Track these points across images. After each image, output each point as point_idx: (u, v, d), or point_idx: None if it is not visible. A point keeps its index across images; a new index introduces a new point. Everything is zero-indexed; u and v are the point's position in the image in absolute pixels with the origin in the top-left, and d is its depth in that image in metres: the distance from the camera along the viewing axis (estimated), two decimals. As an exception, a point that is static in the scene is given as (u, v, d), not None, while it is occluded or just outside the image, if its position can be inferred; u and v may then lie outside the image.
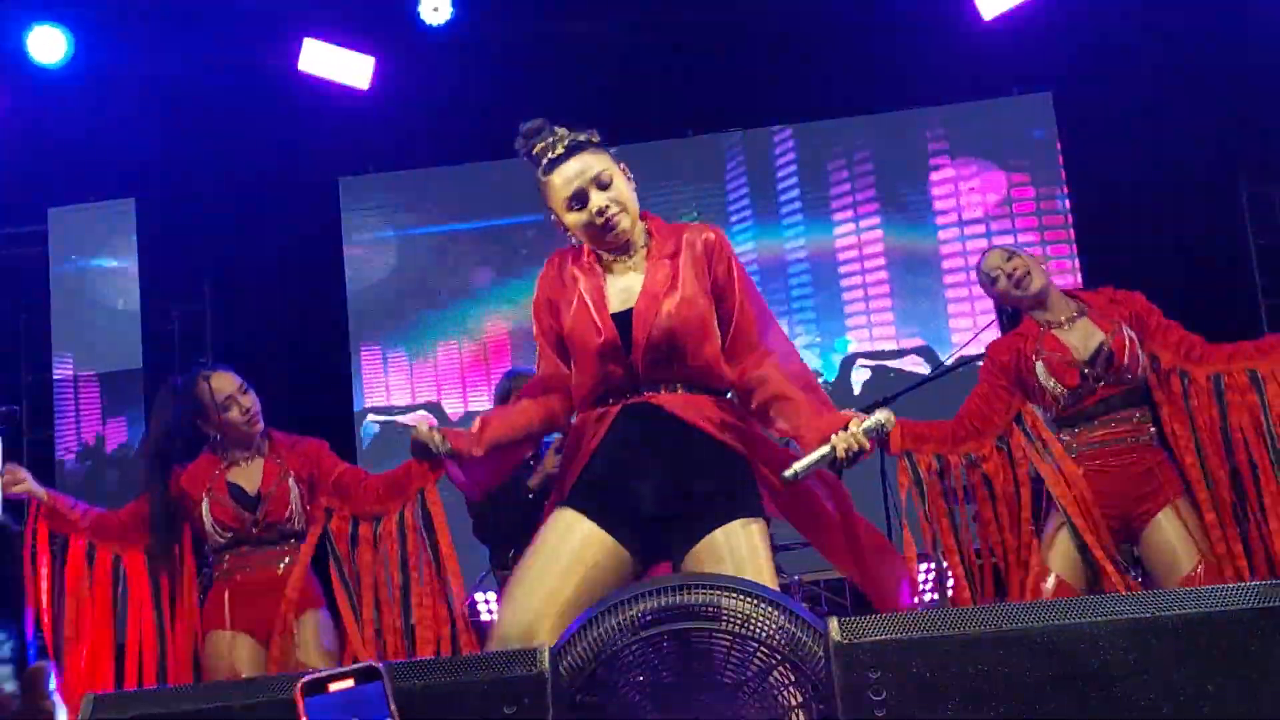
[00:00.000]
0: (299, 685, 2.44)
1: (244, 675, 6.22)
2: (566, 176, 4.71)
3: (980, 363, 7.41)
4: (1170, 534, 6.22)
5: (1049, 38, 11.33)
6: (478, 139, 11.99)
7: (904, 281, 11.94)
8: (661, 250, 4.75)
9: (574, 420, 4.85)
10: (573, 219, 4.72)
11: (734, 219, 12.01)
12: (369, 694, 2.44)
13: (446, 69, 11.65)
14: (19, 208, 12.09)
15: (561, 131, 4.84)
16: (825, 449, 4.41)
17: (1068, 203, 11.83)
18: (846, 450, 4.39)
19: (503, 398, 8.21)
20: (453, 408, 12.19)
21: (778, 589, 4.41)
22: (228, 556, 6.42)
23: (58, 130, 11.45)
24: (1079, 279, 11.57)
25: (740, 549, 4.48)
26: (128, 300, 12.06)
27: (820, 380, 11.66)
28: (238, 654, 6.32)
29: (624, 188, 4.73)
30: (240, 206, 11.79)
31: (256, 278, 11.90)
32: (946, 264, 11.93)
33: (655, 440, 4.60)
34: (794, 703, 3.37)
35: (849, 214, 12.10)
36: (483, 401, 12.01)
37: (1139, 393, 6.40)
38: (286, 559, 6.44)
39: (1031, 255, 6.71)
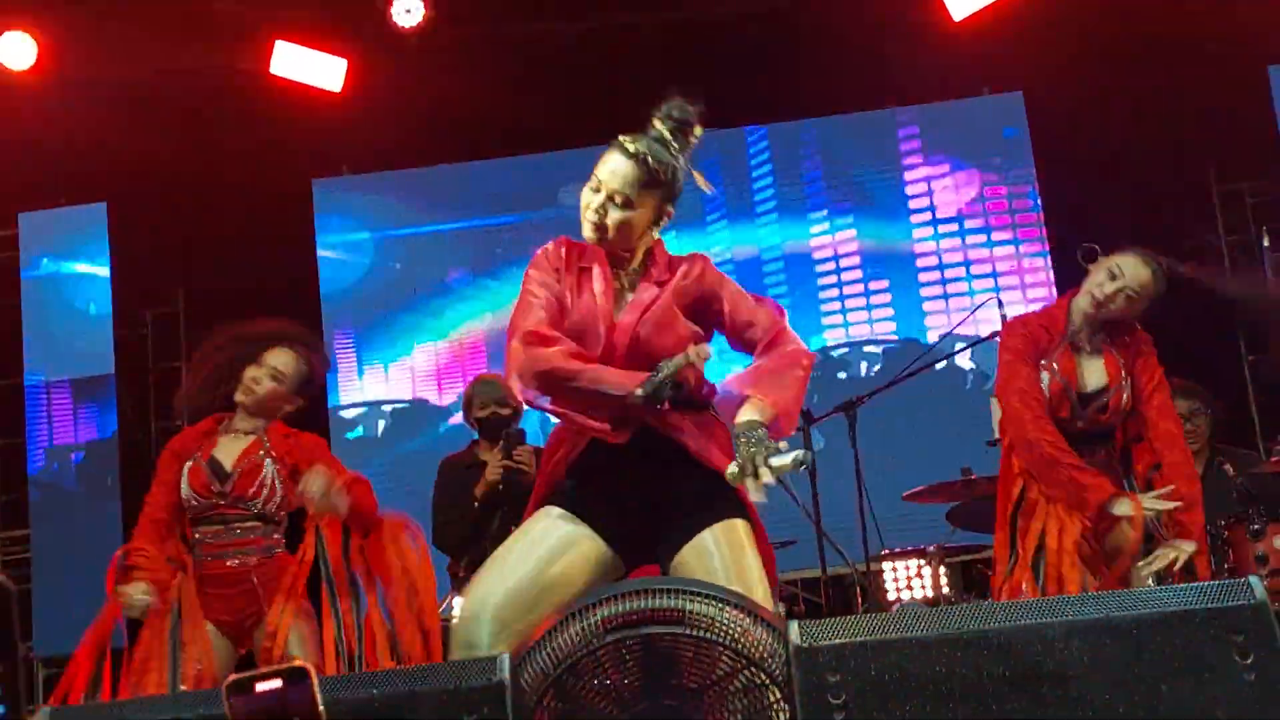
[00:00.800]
0: (224, 685, 2.43)
1: (205, 669, 6.26)
2: (610, 167, 4.74)
3: (947, 361, 7.47)
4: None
5: (1019, 37, 11.34)
6: (451, 140, 12.02)
7: (879, 279, 11.94)
8: (657, 275, 4.79)
9: (553, 430, 4.83)
10: (583, 195, 4.79)
11: (709, 219, 12.02)
12: (296, 695, 2.43)
13: (419, 70, 11.62)
14: (-12, 212, 12.07)
15: (658, 142, 4.83)
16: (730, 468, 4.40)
17: (1039, 201, 11.83)
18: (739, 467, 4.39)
19: (467, 404, 8.22)
20: (429, 408, 12.19)
21: (768, 587, 4.43)
22: (204, 544, 6.44)
23: (28, 134, 11.41)
24: (1052, 275, 11.59)
25: (726, 548, 4.49)
26: (99, 305, 12.03)
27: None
28: (202, 645, 6.33)
29: (632, 216, 4.72)
30: (213, 209, 11.77)
31: (229, 281, 11.84)
32: (921, 262, 11.93)
33: (641, 448, 4.60)
34: (767, 703, 3.38)
35: (823, 213, 12.10)
36: (458, 399, 12.03)
37: (1109, 434, 6.48)
38: (258, 553, 6.47)
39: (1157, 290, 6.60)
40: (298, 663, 2.42)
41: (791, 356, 4.66)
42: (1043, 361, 6.45)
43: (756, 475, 4.27)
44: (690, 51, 11.76)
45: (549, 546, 4.53)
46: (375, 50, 11.76)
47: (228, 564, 6.45)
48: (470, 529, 7.77)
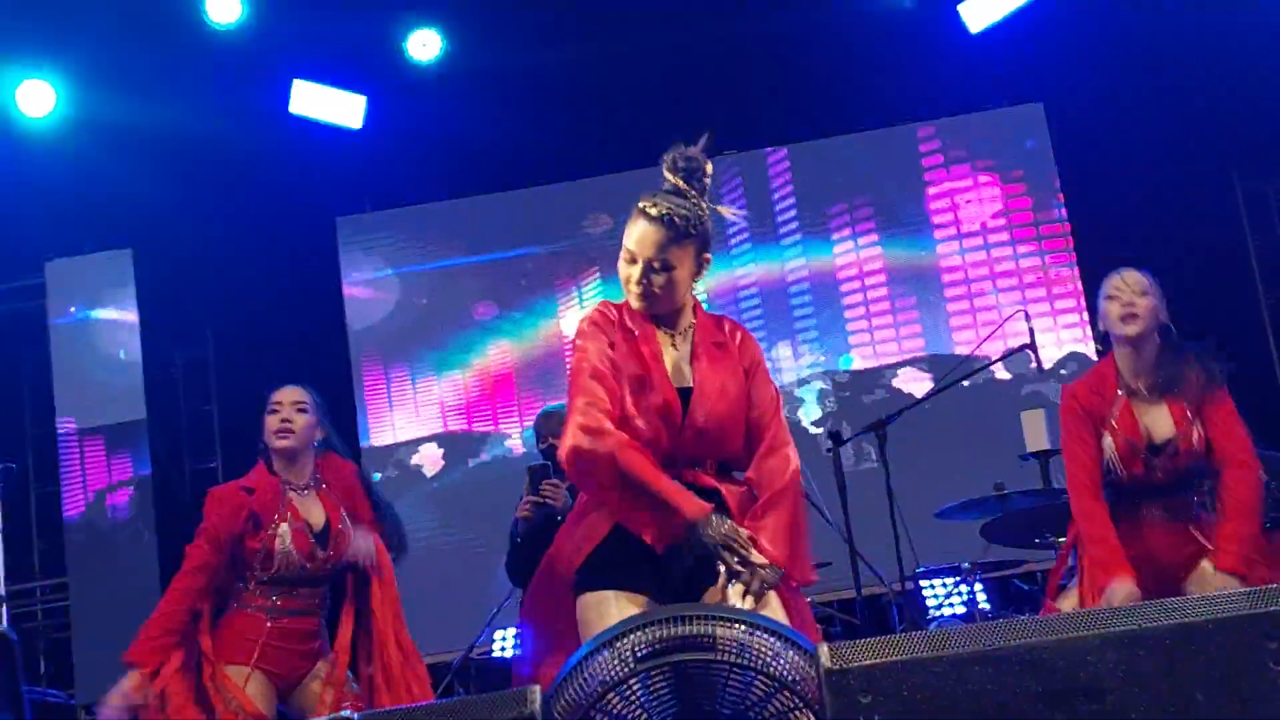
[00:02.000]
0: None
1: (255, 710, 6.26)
2: (638, 235, 4.73)
3: (976, 376, 7.45)
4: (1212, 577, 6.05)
5: (1037, 48, 11.33)
6: (473, 173, 12.03)
7: (905, 297, 11.90)
8: (709, 336, 4.82)
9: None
10: (621, 269, 4.80)
11: (732, 242, 12.00)
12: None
13: (438, 104, 11.64)
14: (15, 261, 12.09)
15: (676, 195, 4.79)
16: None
17: (1064, 211, 11.78)
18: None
19: (537, 434, 8.18)
20: (459, 441, 12.18)
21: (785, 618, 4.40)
22: (275, 602, 6.42)
23: (51, 183, 11.45)
24: (1079, 286, 11.53)
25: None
26: (129, 350, 12.03)
27: (825, 402, 11.70)
28: (251, 689, 6.31)
29: (675, 275, 4.74)
30: (238, 250, 11.79)
31: (257, 321, 11.89)
32: (947, 278, 11.89)
33: None
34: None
35: (847, 232, 12.07)
36: (488, 433, 12.03)
37: (1196, 478, 6.28)
38: (319, 610, 6.49)
39: (1160, 300, 6.48)
40: (345, 712, 2.43)
41: (793, 497, 4.66)
42: (1104, 424, 6.35)
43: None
44: (708, 74, 11.76)
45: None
46: (393, 85, 11.78)
47: (302, 622, 6.45)
48: (520, 562, 7.77)
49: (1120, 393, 6.30)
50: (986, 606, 9.06)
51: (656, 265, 4.70)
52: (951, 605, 9.17)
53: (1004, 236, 11.91)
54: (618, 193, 11.48)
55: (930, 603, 9.35)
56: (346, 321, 12.34)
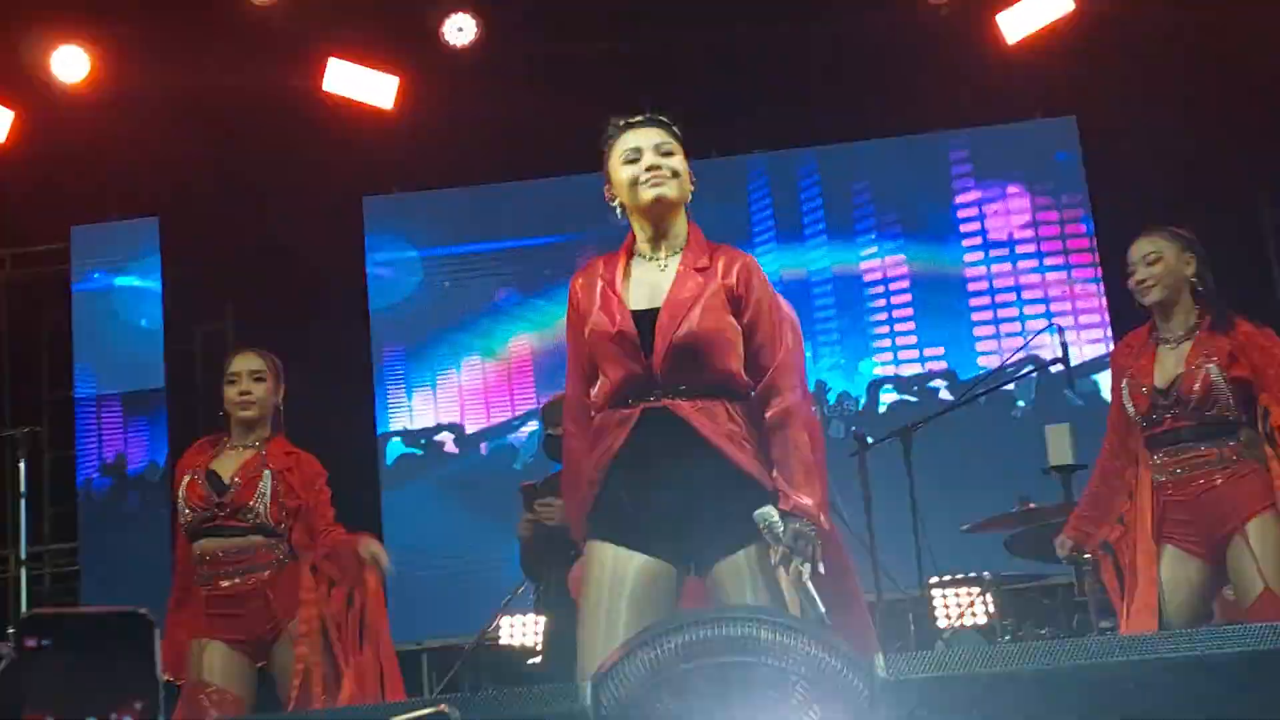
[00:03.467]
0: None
1: (211, 683, 6.24)
2: (635, 136, 4.82)
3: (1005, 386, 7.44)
4: (1243, 557, 6.02)
5: (1073, 61, 11.30)
6: (502, 159, 11.99)
7: (928, 304, 11.88)
8: (694, 261, 4.77)
9: (596, 419, 4.84)
10: (624, 173, 4.79)
11: (758, 241, 11.98)
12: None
13: (470, 89, 11.60)
14: (42, 225, 12.08)
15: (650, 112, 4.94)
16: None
17: (1092, 226, 11.76)
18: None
19: (544, 423, 8.21)
20: (476, 427, 12.17)
21: (798, 607, 4.41)
22: (208, 562, 6.41)
23: (81, 148, 11.43)
24: (1104, 302, 11.53)
25: (764, 572, 4.51)
26: (150, 319, 12.03)
27: (845, 405, 11.67)
28: (208, 662, 6.30)
29: (682, 165, 4.80)
30: (263, 225, 11.76)
31: (279, 296, 11.87)
32: (971, 287, 11.87)
33: (676, 452, 4.62)
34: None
35: (873, 236, 12.05)
36: (506, 419, 12.02)
37: (1226, 428, 6.20)
38: (269, 567, 6.44)
39: (1179, 259, 6.51)
40: (443, 708, 2.41)
41: (808, 441, 4.69)
42: (1124, 372, 6.42)
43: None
44: (742, 73, 11.75)
45: (632, 592, 4.55)
46: (427, 68, 11.74)
47: (237, 581, 6.42)
48: (531, 564, 7.81)
49: (1151, 342, 6.42)
50: (1002, 620, 9.05)
51: (665, 149, 4.77)
52: (974, 615, 9.17)
53: (1031, 248, 11.90)
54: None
55: (952, 612, 9.35)
56: (368, 301, 12.31)
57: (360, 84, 11.56)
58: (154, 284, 12.08)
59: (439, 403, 12.23)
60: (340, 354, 12.09)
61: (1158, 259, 6.37)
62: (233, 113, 11.42)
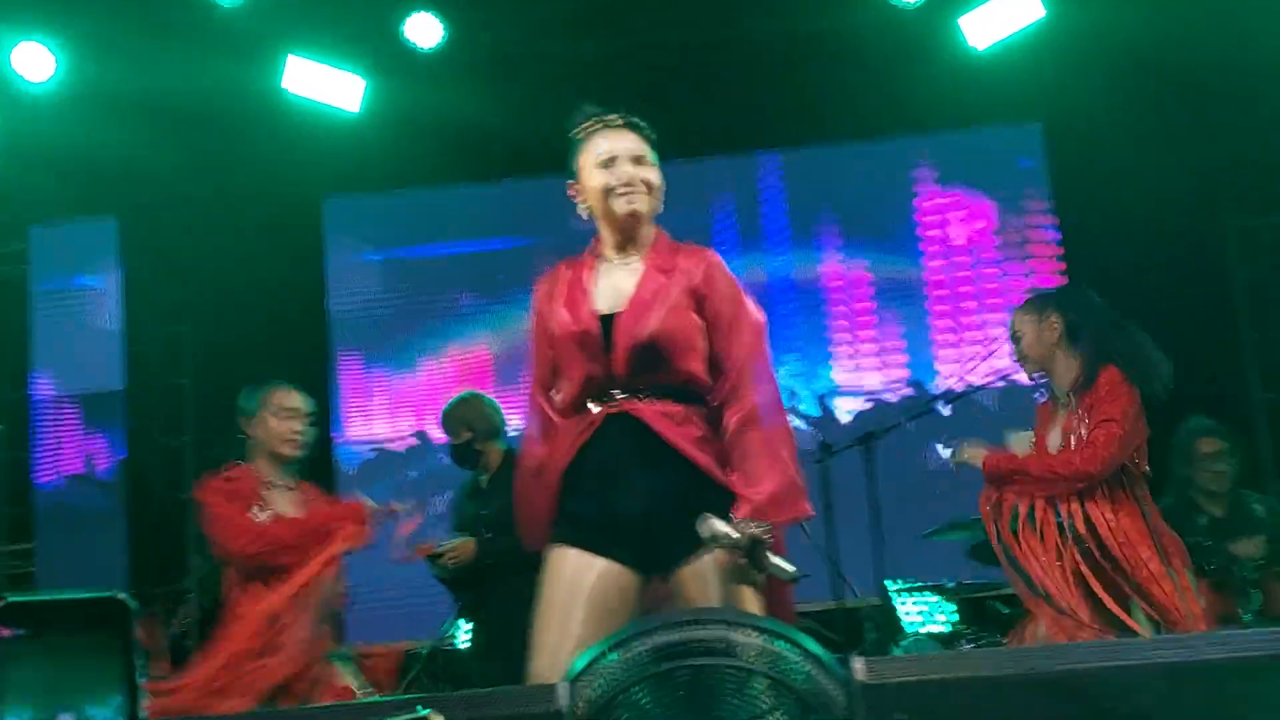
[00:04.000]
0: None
1: None
2: (612, 140, 4.79)
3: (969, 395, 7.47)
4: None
5: (1039, 68, 11.31)
6: (465, 162, 11.96)
7: (890, 311, 11.88)
8: (658, 262, 4.75)
9: (557, 424, 4.82)
10: (597, 178, 4.76)
11: (719, 245, 11.91)
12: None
13: (435, 91, 11.55)
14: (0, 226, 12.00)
15: (627, 114, 4.91)
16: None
17: (1056, 234, 11.79)
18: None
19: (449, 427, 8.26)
20: (434, 431, 12.13)
21: (762, 610, 4.40)
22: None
23: (40, 147, 11.34)
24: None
25: (723, 575, 4.47)
26: (109, 320, 11.97)
27: (801, 412, 11.67)
28: None
29: (656, 176, 4.79)
30: (223, 226, 11.71)
31: (238, 298, 11.80)
32: (933, 294, 11.87)
33: (637, 456, 4.61)
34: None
35: (836, 242, 12.04)
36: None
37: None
38: None
39: (1041, 328, 6.64)
40: (420, 709, 2.39)
41: (768, 438, 4.64)
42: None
43: (756, 568, 4.41)
44: (705, 75, 11.73)
45: (590, 597, 4.52)
46: (390, 69, 11.70)
47: None
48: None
49: (1050, 403, 6.69)
50: (963, 627, 9.04)
51: (640, 159, 4.77)
52: (937, 623, 9.16)
53: (993, 255, 11.91)
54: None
55: (914, 619, 9.35)
56: (328, 303, 12.26)
57: (323, 84, 11.49)
58: (113, 285, 12.01)
59: (397, 406, 12.19)
60: (298, 356, 12.05)
61: (1019, 337, 6.56)
62: (193, 112, 11.33)
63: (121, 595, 1.83)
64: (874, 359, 11.84)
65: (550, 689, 3.30)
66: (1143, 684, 3.08)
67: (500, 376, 11.95)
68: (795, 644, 3.45)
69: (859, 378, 11.83)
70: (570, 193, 4.88)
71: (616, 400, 4.63)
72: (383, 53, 11.63)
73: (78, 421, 11.99)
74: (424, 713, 2.41)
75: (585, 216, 4.85)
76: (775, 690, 3.39)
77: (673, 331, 4.61)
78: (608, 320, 4.66)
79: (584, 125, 4.85)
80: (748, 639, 3.44)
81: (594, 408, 4.66)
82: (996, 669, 3.18)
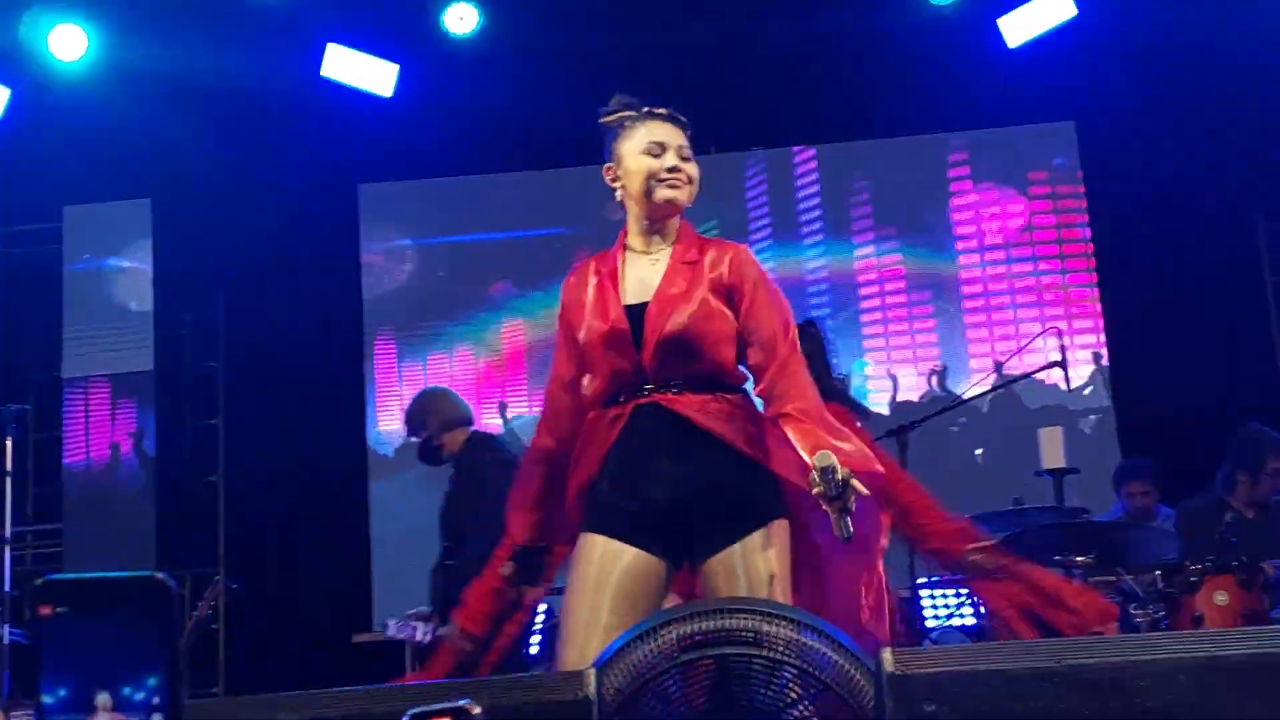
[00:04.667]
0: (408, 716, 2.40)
1: None
2: (657, 128, 4.77)
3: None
4: None
5: (1073, 67, 11.31)
6: (500, 149, 11.98)
7: (922, 305, 11.87)
8: (684, 254, 4.74)
9: (588, 417, 4.79)
10: (643, 162, 4.72)
11: (754, 238, 11.95)
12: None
13: (470, 78, 11.58)
14: (34, 205, 12.05)
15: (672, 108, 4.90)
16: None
17: (1088, 231, 11.76)
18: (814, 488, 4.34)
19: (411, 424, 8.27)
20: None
21: (789, 599, 4.39)
22: None
23: (76, 128, 11.40)
24: (1099, 307, 11.54)
25: (755, 567, 4.45)
26: (141, 301, 11.99)
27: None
28: None
29: (696, 172, 4.76)
30: (258, 210, 11.74)
31: (271, 283, 11.85)
32: (966, 290, 11.86)
33: (668, 446, 4.58)
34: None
35: (869, 236, 12.03)
36: (496, 414, 11.97)
37: None
38: None
39: None
40: (465, 701, 2.38)
41: (812, 426, 4.53)
42: None
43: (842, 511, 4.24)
44: (742, 69, 11.73)
45: (618, 585, 4.50)
46: (426, 57, 11.72)
47: None
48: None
49: None
50: (989, 622, 9.02)
51: (685, 155, 4.75)
52: (962, 616, 9.15)
53: (1026, 252, 11.90)
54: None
55: (932, 613, 9.33)
56: (362, 289, 12.28)
57: (359, 71, 11.52)
58: (145, 267, 12.03)
59: (431, 392, 12.21)
60: (332, 342, 12.07)
61: None
62: (229, 96, 11.38)
63: (160, 575, 1.83)
64: (906, 352, 11.82)
65: (579, 675, 3.29)
66: (1170, 679, 3.07)
67: (534, 364, 11.95)
68: (824, 634, 3.45)
69: (892, 370, 11.82)
70: (607, 176, 4.84)
71: (646, 392, 4.63)
72: (419, 41, 11.65)
73: (108, 402, 12.00)
74: (464, 703, 2.40)
75: (616, 199, 4.84)
76: (804, 681, 3.38)
77: (700, 324, 4.60)
78: (634, 312, 4.65)
79: (625, 112, 4.85)
80: (777, 629, 3.43)
81: (623, 401, 4.66)
82: (1025, 661, 3.17)
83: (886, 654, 3.27)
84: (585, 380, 4.78)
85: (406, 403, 12.07)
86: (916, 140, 12.15)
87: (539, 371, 11.75)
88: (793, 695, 3.40)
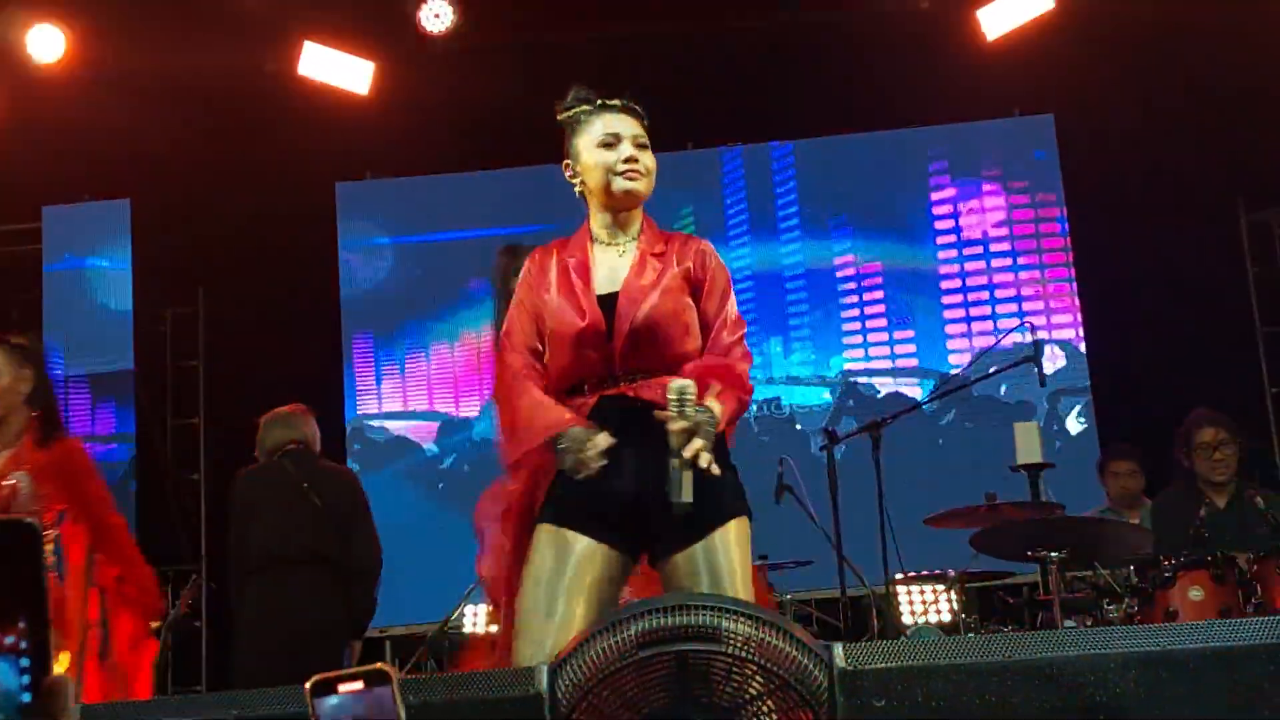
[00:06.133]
0: (308, 685, 2.39)
1: None
2: (612, 120, 4.80)
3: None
4: None
5: (1052, 59, 11.29)
6: (476, 147, 11.98)
7: (901, 301, 11.86)
8: (651, 247, 4.77)
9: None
10: (599, 156, 4.76)
11: (732, 233, 11.94)
12: (378, 697, 2.39)
13: (446, 76, 11.58)
14: (13, 205, 12.02)
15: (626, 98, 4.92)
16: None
17: (1067, 224, 11.76)
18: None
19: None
20: (445, 415, 12.15)
21: (752, 597, 4.38)
22: None
23: (54, 128, 11.38)
24: (1077, 301, 11.55)
25: (717, 565, 4.46)
26: (120, 300, 11.99)
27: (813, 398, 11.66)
28: None
29: (653, 162, 4.79)
30: (236, 209, 11.72)
31: (250, 281, 11.84)
32: (945, 284, 11.85)
33: (633, 438, 4.54)
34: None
35: (847, 231, 12.02)
36: (475, 409, 11.99)
37: None
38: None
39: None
40: (380, 665, 2.37)
41: (740, 379, 4.64)
42: None
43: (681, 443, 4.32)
44: (718, 64, 11.73)
45: (575, 574, 4.47)
46: (402, 55, 11.72)
47: None
48: None
49: None
50: (965, 616, 9.04)
51: (642, 143, 4.77)
52: (938, 612, 9.16)
53: (1005, 246, 11.89)
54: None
55: (916, 609, 9.34)
56: (339, 287, 12.28)
57: (336, 69, 11.52)
58: (125, 266, 12.04)
59: (407, 389, 12.20)
60: (311, 340, 12.07)
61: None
62: (207, 96, 11.39)
63: (29, 520, 1.82)
64: (884, 348, 11.83)
65: (530, 672, 3.29)
66: (1121, 673, 3.07)
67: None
68: (784, 631, 3.44)
69: (870, 366, 11.82)
70: (566, 173, 4.89)
71: (612, 382, 4.64)
72: (395, 39, 11.65)
73: (88, 400, 12.01)
74: (379, 665, 2.40)
75: (579, 194, 4.85)
76: (763, 677, 3.38)
77: (668, 315, 4.62)
78: (606, 302, 4.66)
79: (580, 107, 4.86)
80: (736, 626, 3.43)
81: (589, 392, 4.66)
82: (976, 657, 3.17)
83: (839, 649, 3.27)
84: (546, 358, 4.77)
85: (385, 399, 12.18)
86: (895, 135, 12.14)
87: (516, 368, 11.78)
88: (752, 691, 3.40)
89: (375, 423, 12.16)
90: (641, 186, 4.74)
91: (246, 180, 11.72)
